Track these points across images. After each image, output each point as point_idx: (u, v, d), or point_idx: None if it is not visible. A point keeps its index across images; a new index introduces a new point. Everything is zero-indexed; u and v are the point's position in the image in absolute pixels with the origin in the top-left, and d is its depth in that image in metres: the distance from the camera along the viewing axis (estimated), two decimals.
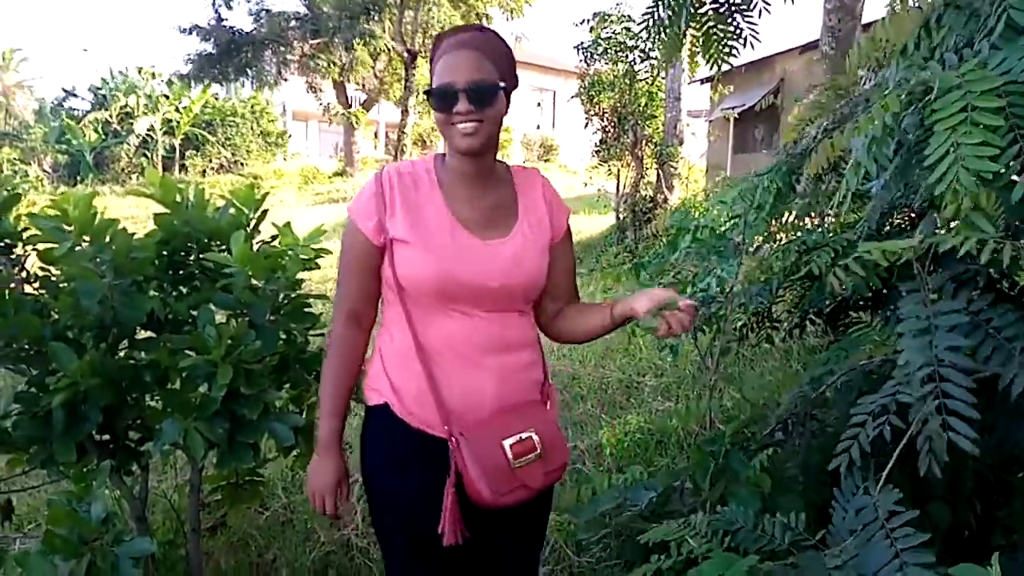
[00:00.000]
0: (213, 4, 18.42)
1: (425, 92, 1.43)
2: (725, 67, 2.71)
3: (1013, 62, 1.22)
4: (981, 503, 1.80)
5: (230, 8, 18.63)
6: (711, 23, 2.63)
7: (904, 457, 1.47)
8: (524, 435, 1.41)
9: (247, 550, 2.66)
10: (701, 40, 2.69)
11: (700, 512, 1.92)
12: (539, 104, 30.93)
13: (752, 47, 2.64)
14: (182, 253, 2.03)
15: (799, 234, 2.35)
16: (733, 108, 14.25)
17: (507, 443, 1.39)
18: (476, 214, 1.47)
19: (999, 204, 1.38)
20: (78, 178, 21.85)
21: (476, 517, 1.43)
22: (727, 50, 2.65)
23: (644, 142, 10.46)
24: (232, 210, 2.06)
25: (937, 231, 1.52)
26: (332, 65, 18.96)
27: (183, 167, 22.37)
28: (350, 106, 21.23)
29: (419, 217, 1.43)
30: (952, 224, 1.29)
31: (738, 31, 2.62)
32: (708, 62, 2.69)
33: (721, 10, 2.61)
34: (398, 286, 1.43)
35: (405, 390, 1.45)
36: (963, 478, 1.77)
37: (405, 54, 18.20)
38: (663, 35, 2.66)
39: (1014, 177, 1.19)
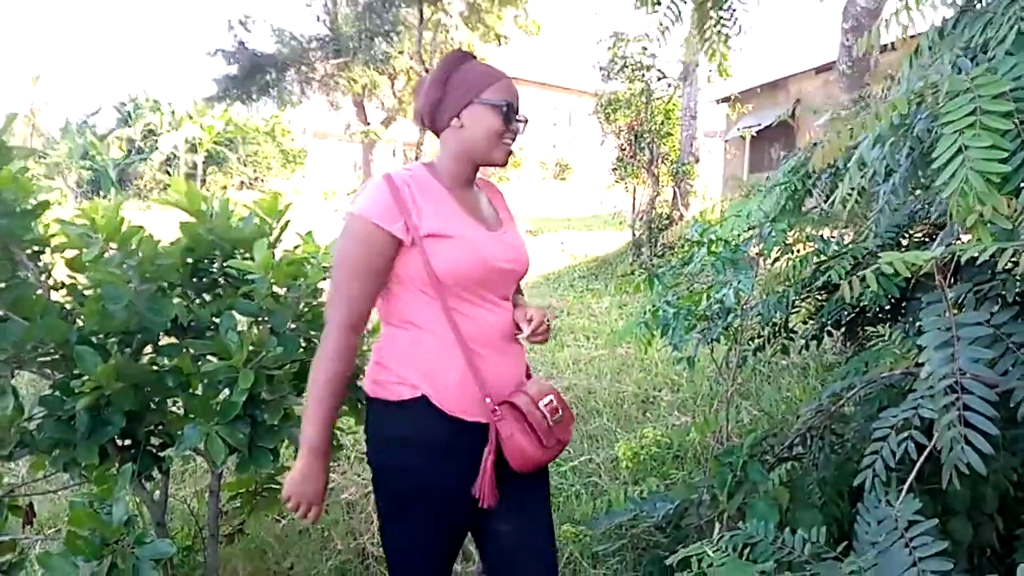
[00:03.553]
0: (232, 28, 18.71)
1: (484, 101, 1.52)
2: (730, 80, 2.74)
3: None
4: (1003, 520, 1.77)
5: (248, 31, 18.92)
6: (709, 5, 2.66)
7: (925, 473, 1.46)
8: (549, 399, 1.56)
9: (264, 558, 2.67)
10: (697, 25, 2.72)
11: (718, 524, 1.92)
12: (554, 124, 31.06)
13: (745, 32, 2.67)
14: (206, 261, 2.06)
15: (816, 245, 2.34)
16: (749, 127, 14.25)
17: (541, 405, 1.53)
18: (478, 211, 1.61)
19: (1020, 215, 1.38)
20: (101, 194, 22.14)
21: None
22: (724, 38, 2.67)
23: (660, 160, 10.48)
24: (256, 220, 2.09)
25: (958, 241, 1.52)
26: (352, 83, 19.15)
27: (203, 183, 22.62)
28: (369, 125, 21.43)
29: (444, 214, 1.52)
30: (969, 231, 1.28)
31: (734, 18, 2.65)
32: (704, 50, 2.72)
33: None
34: (436, 282, 1.48)
35: (445, 381, 1.51)
36: (985, 495, 1.75)
37: (424, 74, 18.37)
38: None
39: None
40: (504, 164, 1.60)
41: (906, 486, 1.38)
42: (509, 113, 1.54)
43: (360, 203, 1.50)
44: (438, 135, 1.61)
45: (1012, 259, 1.22)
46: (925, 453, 1.35)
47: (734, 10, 2.69)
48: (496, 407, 1.50)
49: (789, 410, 3.87)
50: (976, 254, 1.25)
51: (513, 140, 1.58)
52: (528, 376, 1.69)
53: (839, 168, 2.14)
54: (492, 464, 1.50)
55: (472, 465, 1.52)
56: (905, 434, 1.41)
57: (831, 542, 1.47)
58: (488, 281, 1.55)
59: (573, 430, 1.70)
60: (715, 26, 2.70)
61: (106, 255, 1.81)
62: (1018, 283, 1.53)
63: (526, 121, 1.60)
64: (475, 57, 1.61)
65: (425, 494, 1.53)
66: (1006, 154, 1.15)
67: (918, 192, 2.18)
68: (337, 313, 1.50)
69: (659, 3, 2.63)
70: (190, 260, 2.03)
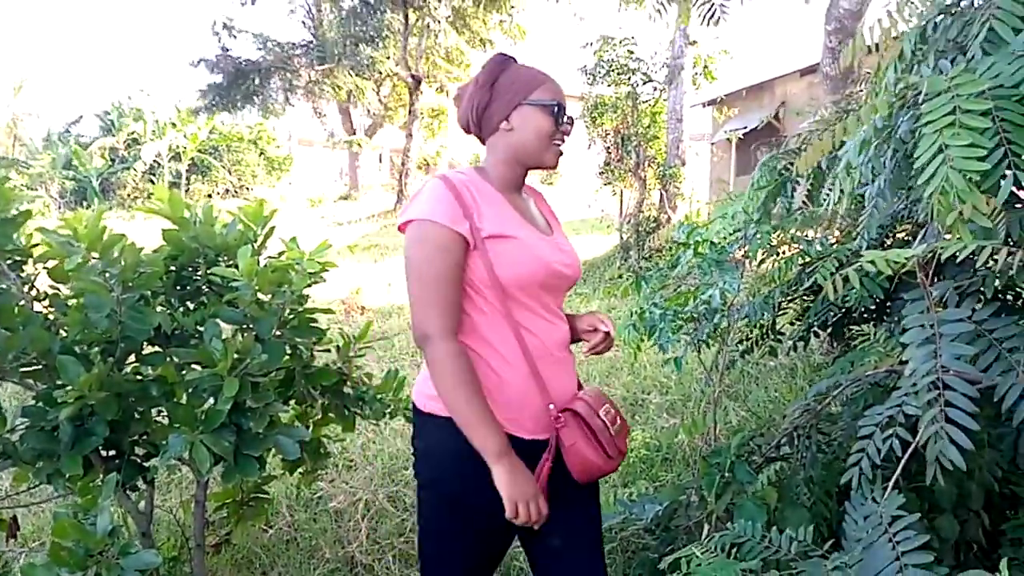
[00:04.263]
0: (216, 34, 18.63)
1: (533, 102, 1.52)
2: (716, 83, 2.79)
3: (1002, 67, 1.24)
4: (989, 517, 1.79)
5: (234, 37, 18.83)
6: None
7: (909, 470, 1.47)
8: (608, 407, 1.54)
9: (251, 568, 2.65)
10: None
11: (706, 525, 1.92)
12: None
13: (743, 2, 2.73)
14: (190, 268, 2.05)
15: (801, 246, 2.36)
16: (735, 130, 14.34)
17: (602, 414, 1.51)
18: (530, 216, 1.59)
19: (999, 213, 1.40)
20: (84, 204, 21.94)
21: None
22: (718, 10, 2.70)
23: (647, 163, 10.51)
24: (240, 226, 2.08)
25: (940, 239, 1.53)
26: (337, 90, 19.12)
27: (187, 192, 22.48)
28: (355, 131, 21.41)
29: (503, 216, 1.50)
30: (950, 230, 1.30)
31: None
32: (701, 20, 2.76)
33: None
34: (499, 288, 1.45)
35: (504, 397, 1.47)
36: (971, 492, 1.76)
37: (409, 80, 18.35)
38: None
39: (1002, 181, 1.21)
40: (555, 166, 1.59)
41: (891, 483, 1.39)
42: (559, 113, 1.53)
43: (424, 208, 1.44)
44: (483, 141, 1.60)
45: (992, 256, 1.24)
46: (910, 450, 1.36)
47: None
48: (559, 414, 1.48)
49: (776, 411, 3.88)
50: (956, 252, 1.26)
51: (563, 141, 1.57)
52: (580, 386, 1.65)
53: (820, 168, 2.16)
54: (548, 471, 1.46)
55: None
56: (890, 431, 1.42)
57: (819, 541, 1.48)
58: (547, 286, 1.53)
59: None
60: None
61: (88, 264, 1.80)
62: (998, 279, 1.55)
63: (572, 122, 1.59)
64: (516, 60, 1.60)
65: (476, 510, 1.49)
66: (985, 152, 1.16)
67: (901, 192, 2.20)
68: (435, 325, 1.42)
69: None
70: (173, 268, 2.02)
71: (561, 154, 1.59)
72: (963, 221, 1.25)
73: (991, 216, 1.34)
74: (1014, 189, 1.25)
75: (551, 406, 1.47)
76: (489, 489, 1.44)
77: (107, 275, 1.79)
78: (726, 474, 1.96)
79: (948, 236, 1.43)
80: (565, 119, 1.56)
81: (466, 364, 1.43)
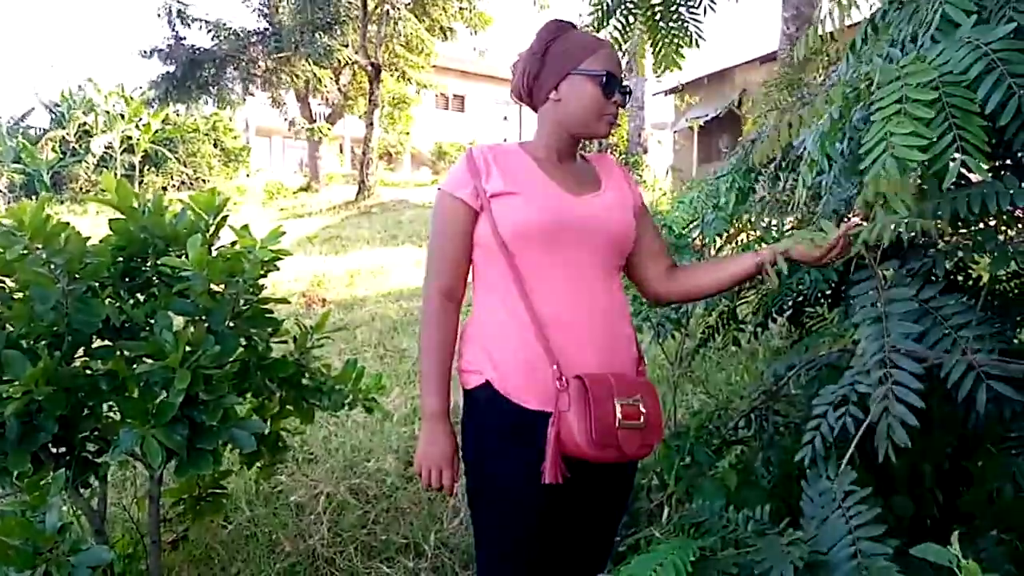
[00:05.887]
0: (169, 22, 18.14)
1: (583, 72, 1.49)
2: (677, 71, 2.77)
3: (951, 54, 1.26)
4: (942, 493, 1.83)
5: (187, 25, 18.36)
6: (659, 18, 2.69)
7: (866, 450, 1.49)
8: (634, 401, 1.42)
9: (210, 564, 2.61)
10: (649, 37, 2.75)
11: (666, 508, 1.94)
12: (505, 117, 31.06)
13: (698, 45, 2.70)
14: (139, 259, 2.00)
15: (758, 232, 2.38)
16: (698, 118, 14.48)
17: (618, 402, 1.40)
18: (567, 179, 1.55)
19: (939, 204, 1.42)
20: (34, 198, 21.18)
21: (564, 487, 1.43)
22: (675, 47, 2.71)
23: (609, 151, 10.57)
24: (190, 215, 2.03)
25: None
26: (295, 78, 18.80)
27: (141, 184, 21.93)
28: (314, 121, 21.09)
29: (516, 176, 1.50)
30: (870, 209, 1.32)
31: (685, 28, 2.69)
32: (657, 60, 2.75)
33: (669, 7, 2.67)
34: (504, 249, 1.46)
35: (510, 365, 1.46)
36: (923, 469, 1.80)
37: (369, 68, 18.12)
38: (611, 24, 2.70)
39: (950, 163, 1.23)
40: (606, 135, 1.59)
41: (845, 459, 1.41)
42: (609, 83, 1.49)
43: (444, 178, 1.55)
44: (536, 111, 1.59)
45: (923, 235, 1.26)
46: (863, 428, 1.38)
47: (685, 22, 2.73)
48: (563, 376, 1.40)
49: (736, 393, 3.93)
50: (907, 235, 1.28)
51: (615, 111, 1.54)
52: (639, 373, 1.58)
53: (781, 163, 2.19)
54: (556, 436, 1.39)
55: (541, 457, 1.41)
56: (843, 410, 1.44)
57: (778, 519, 1.50)
58: (564, 243, 1.47)
59: None
60: (667, 37, 2.73)
61: (32, 255, 1.74)
62: (948, 260, 1.58)
63: (630, 92, 1.57)
64: (574, 26, 1.57)
65: (501, 490, 1.48)
66: (926, 142, 1.18)
67: (854, 179, 2.24)
68: (427, 284, 1.55)
69: (607, 23, 2.66)
70: (121, 259, 1.97)
71: (614, 123, 1.56)
72: (886, 204, 1.27)
73: (908, 202, 1.36)
74: (963, 171, 1.27)
75: (555, 366, 1.40)
76: (507, 464, 1.46)
77: (52, 266, 1.74)
78: (686, 456, 1.98)
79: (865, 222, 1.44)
80: (618, 89, 1.51)
81: (441, 323, 1.52)
